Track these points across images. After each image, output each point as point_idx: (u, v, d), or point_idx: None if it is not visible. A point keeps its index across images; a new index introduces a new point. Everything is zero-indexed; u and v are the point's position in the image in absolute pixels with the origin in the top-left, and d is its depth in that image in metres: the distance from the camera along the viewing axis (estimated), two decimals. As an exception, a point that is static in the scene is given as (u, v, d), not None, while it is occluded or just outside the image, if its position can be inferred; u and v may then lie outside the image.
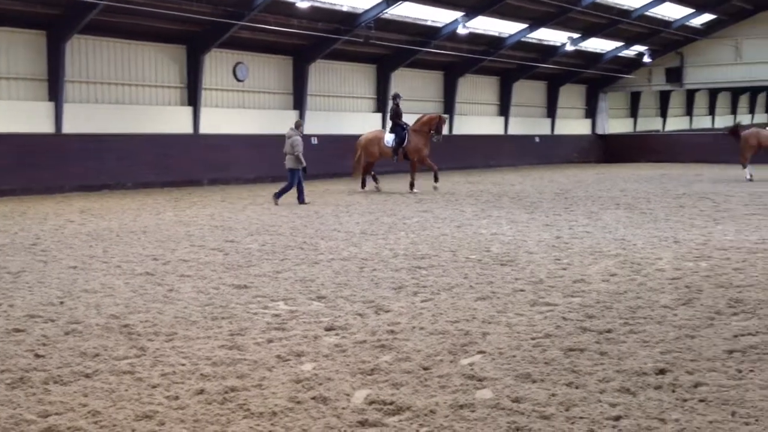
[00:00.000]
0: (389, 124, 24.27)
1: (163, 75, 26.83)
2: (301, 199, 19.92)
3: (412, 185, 23.74)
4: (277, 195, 19.92)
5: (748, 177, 27.25)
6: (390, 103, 24.63)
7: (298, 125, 20.45)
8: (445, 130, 36.98)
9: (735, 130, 28.43)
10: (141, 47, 26.07)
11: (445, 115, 25.12)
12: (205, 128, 27.65)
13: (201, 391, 5.50)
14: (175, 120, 26.98)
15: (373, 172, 24.45)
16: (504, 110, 40.80)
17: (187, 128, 27.30)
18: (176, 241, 13.13)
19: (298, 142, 19.79)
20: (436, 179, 23.68)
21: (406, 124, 24.10)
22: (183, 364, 6.14)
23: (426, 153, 23.78)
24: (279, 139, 29.51)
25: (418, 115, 35.17)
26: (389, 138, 23.86)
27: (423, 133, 23.75)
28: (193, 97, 27.22)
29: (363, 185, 24.29)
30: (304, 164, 19.88)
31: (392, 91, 34.15)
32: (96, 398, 5.40)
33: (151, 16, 24.23)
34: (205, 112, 27.62)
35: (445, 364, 6.13)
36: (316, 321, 7.55)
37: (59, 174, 23.70)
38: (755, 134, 27.98)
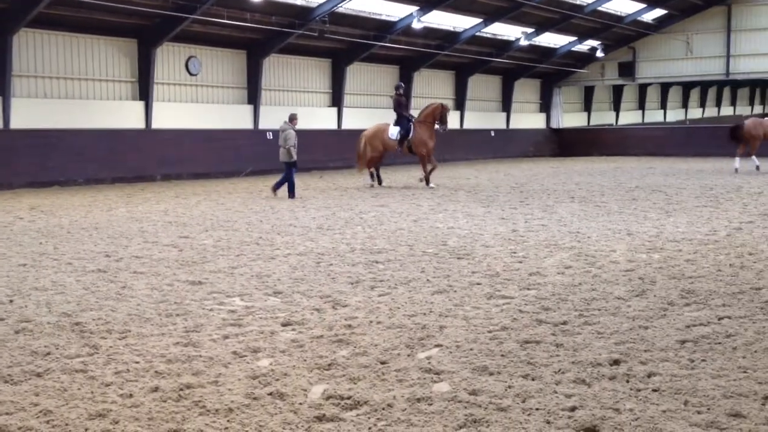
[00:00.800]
0: (394, 116, 23.83)
1: (114, 69, 26.41)
2: (291, 193, 19.91)
3: (427, 180, 23.31)
4: (279, 188, 20.03)
5: (757, 164, 27.40)
6: (393, 95, 24.17)
7: (292, 119, 20.13)
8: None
9: (737, 132, 27.87)
10: (90, 41, 25.62)
11: (448, 104, 24.58)
12: (157, 123, 27.30)
13: (155, 389, 5.42)
14: (127, 115, 26.59)
15: (372, 169, 23.90)
16: (459, 104, 40.97)
17: (139, 123, 26.92)
18: (129, 237, 12.94)
19: (291, 135, 19.68)
20: (427, 181, 23.29)
21: (411, 115, 23.74)
22: (137, 362, 6.05)
23: (432, 145, 23.32)
24: (233, 134, 29.62)
25: (374, 110, 35.29)
26: (394, 131, 23.37)
27: (428, 124, 23.32)
28: (144, 92, 26.85)
29: (378, 181, 23.80)
30: (295, 158, 19.81)
31: (347, 85, 34.21)
32: (48, 397, 5.29)
33: (100, 9, 23.82)
34: (157, 107, 27.27)
35: (403, 357, 6.13)
36: (272, 316, 7.49)
37: (7, 170, 23.20)
38: (759, 124, 27.67)
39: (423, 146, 23.17)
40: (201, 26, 26.89)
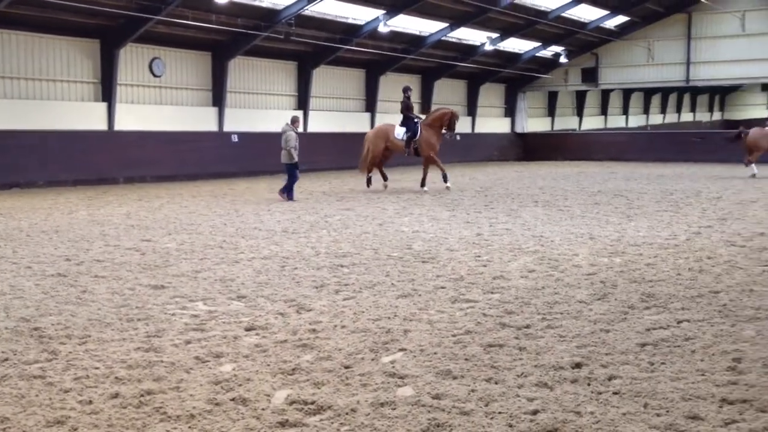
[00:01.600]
0: (400, 117, 23.62)
1: (76, 70, 26.09)
2: (289, 195, 19.86)
3: (423, 182, 23.12)
4: (282, 191, 19.95)
5: (755, 172, 27.47)
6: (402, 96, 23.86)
7: (294, 121, 20.09)
8: (367, 128, 37.18)
9: (739, 135, 28.07)
10: (53, 41, 25.29)
11: (458, 110, 24.25)
12: (120, 125, 27.01)
13: (116, 395, 5.36)
14: (89, 116, 26.26)
15: (371, 173, 23.55)
16: (426, 108, 40.99)
17: (101, 125, 26.61)
18: (90, 240, 12.78)
19: (291, 137, 19.63)
20: (445, 179, 23.09)
21: (418, 117, 23.49)
22: (97, 368, 5.97)
23: (437, 149, 23.11)
24: (198, 136, 29.41)
25: (340, 113, 35.27)
26: (400, 131, 23.10)
27: (435, 128, 23.12)
28: (107, 93, 26.54)
29: (369, 183, 23.44)
30: (296, 160, 19.75)
31: (313, 88, 34.15)
32: (4, 404, 5.20)
33: (63, 9, 23.51)
34: (120, 109, 26.98)
35: (367, 362, 6.13)
36: (236, 321, 7.44)
37: (-34, 172, 22.82)
38: (765, 135, 27.69)
39: (429, 149, 22.99)
40: (165, 27, 26.68)
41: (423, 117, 23.92)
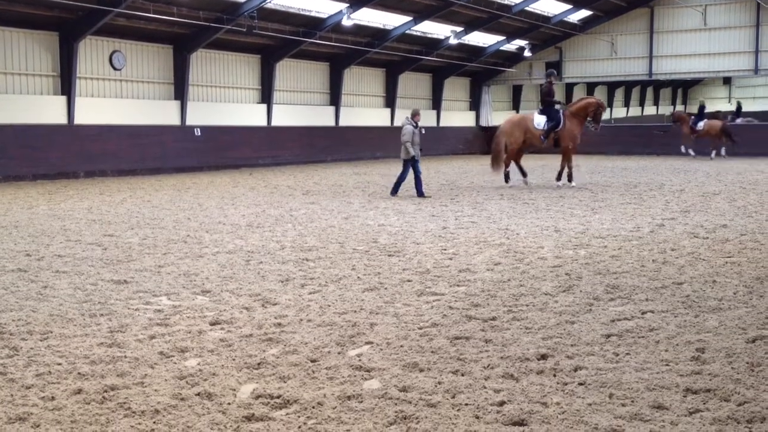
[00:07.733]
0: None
1: (34, 63, 25.63)
2: (419, 192, 18.98)
3: (569, 176, 21.81)
4: (394, 190, 19.26)
5: None
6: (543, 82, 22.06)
7: (414, 114, 19.10)
8: (331, 121, 37.12)
9: None
10: (9, 33, 24.80)
11: (604, 103, 22.24)
12: (80, 118, 26.60)
13: (78, 391, 5.28)
14: (48, 110, 25.83)
15: (508, 168, 22.14)
16: (390, 102, 41.08)
17: (60, 118, 26.18)
18: (51, 235, 12.57)
19: (406, 131, 18.74)
20: (570, 178, 21.87)
21: (561, 103, 22.01)
22: (59, 364, 5.87)
23: (578, 141, 21.67)
24: (159, 130, 29.06)
25: (304, 107, 35.11)
26: (540, 120, 21.46)
27: (580, 118, 21.54)
28: (66, 87, 26.12)
29: (507, 179, 22.06)
30: (412, 154, 18.85)
31: (277, 81, 33.94)
32: (-37, 403, 5.09)
33: (19, 1, 23.09)
34: (80, 102, 26.58)
35: (333, 355, 6.11)
36: (200, 315, 7.37)
37: None
38: None
39: (571, 140, 21.49)
40: (126, 20, 26.31)
41: (564, 104, 22.34)
